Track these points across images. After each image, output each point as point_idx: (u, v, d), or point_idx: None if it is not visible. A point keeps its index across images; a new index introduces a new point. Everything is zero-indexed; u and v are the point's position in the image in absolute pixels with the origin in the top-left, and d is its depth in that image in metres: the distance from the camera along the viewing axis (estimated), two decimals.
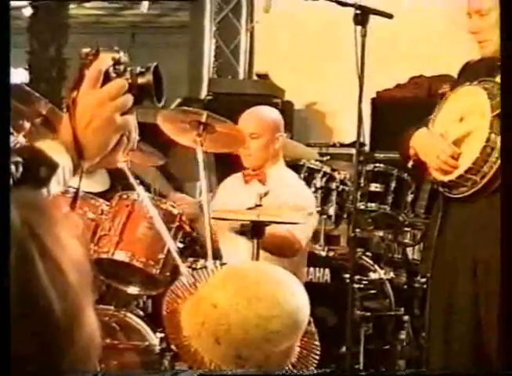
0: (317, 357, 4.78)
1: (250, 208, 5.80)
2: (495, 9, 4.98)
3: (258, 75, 9.28)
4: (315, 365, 4.83)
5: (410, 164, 5.28)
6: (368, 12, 5.77)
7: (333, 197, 7.33)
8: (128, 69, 2.68)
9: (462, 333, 5.00)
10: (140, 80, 2.69)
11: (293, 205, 6.29)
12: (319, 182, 7.37)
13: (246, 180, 6.68)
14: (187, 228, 5.92)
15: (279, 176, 6.61)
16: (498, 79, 5.10)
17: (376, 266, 7.44)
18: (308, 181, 7.30)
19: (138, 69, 2.75)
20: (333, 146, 8.19)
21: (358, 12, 5.82)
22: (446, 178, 5.02)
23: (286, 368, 4.66)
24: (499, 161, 4.96)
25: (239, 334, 4.06)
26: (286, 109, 8.57)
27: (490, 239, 4.49)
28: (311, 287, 6.52)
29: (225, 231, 6.19)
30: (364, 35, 5.83)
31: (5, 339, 1.51)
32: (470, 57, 5.37)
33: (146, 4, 11.67)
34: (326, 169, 7.74)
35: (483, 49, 5.17)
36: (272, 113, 6.83)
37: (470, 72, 5.40)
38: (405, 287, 7.54)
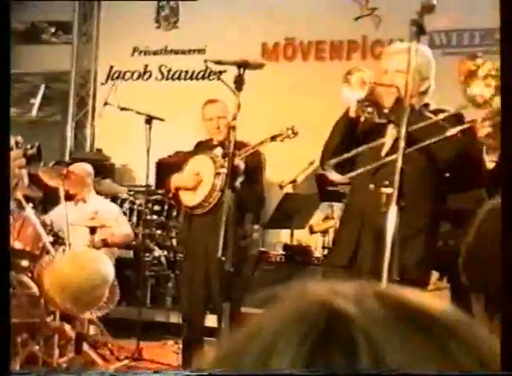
0: (117, 298, 4.79)
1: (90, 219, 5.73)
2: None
3: (97, 149, 8.98)
4: (117, 300, 4.82)
5: (170, 195, 5.30)
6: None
7: (135, 213, 7.23)
8: (23, 146, 2.87)
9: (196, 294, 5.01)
10: (29, 152, 2.87)
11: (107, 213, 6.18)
12: (127, 205, 7.28)
13: (75, 202, 6.41)
14: (55, 230, 5.77)
15: (95, 198, 6.45)
16: (216, 152, 5.03)
17: (157, 248, 7.34)
18: (122, 204, 7.13)
19: (29, 146, 2.96)
20: (136, 186, 8.03)
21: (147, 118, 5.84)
22: (190, 204, 5.03)
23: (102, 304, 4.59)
24: (218, 196, 4.76)
25: (76, 287, 4.04)
26: (110, 167, 8.34)
27: (216, 236, 4.42)
28: (122, 261, 6.44)
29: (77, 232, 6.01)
30: (150, 129, 5.82)
31: (5, 336, 1.26)
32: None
33: (35, 110, 11.14)
34: (131, 198, 7.43)
35: (217, 136, 5.06)
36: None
37: (202, 147, 5.25)
38: (172, 259, 7.44)
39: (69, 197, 6.28)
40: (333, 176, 3.66)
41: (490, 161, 3.30)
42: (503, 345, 0.79)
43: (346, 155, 3.54)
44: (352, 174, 3.59)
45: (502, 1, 1.06)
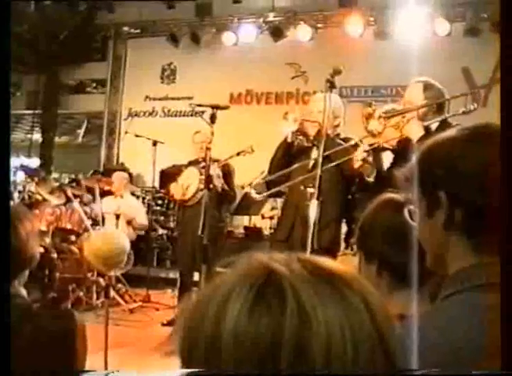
0: (132, 262, 4.60)
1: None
2: None
3: (121, 163, 8.68)
4: (132, 264, 4.61)
5: (170, 196, 5.14)
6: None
7: (146, 205, 6.89)
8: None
9: None
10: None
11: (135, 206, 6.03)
12: (140, 200, 7.04)
13: (115, 196, 6.26)
14: (93, 216, 5.60)
15: (128, 195, 6.29)
16: (200, 165, 4.85)
17: (160, 228, 7.11)
18: (141, 198, 6.94)
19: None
20: (146, 187, 7.72)
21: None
22: (182, 199, 4.89)
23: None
24: (201, 194, 4.37)
25: (106, 254, 3.89)
26: (129, 175, 8.01)
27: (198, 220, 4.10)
28: (137, 237, 6.14)
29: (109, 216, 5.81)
30: (155, 149, 5.62)
31: (5, 341, 0.98)
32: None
33: (80, 137, 10.74)
34: (143, 195, 7.10)
35: (201, 154, 4.73)
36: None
37: (192, 163, 4.99)
38: (170, 236, 7.21)
39: (105, 194, 6.15)
40: (254, 195, 3.65)
41: (367, 176, 3.29)
42: (503, 344, 0.63)
43: (282, 172, 3.54)
44: (287, 184, 3.56)
45: (502, 3, 0.90)
